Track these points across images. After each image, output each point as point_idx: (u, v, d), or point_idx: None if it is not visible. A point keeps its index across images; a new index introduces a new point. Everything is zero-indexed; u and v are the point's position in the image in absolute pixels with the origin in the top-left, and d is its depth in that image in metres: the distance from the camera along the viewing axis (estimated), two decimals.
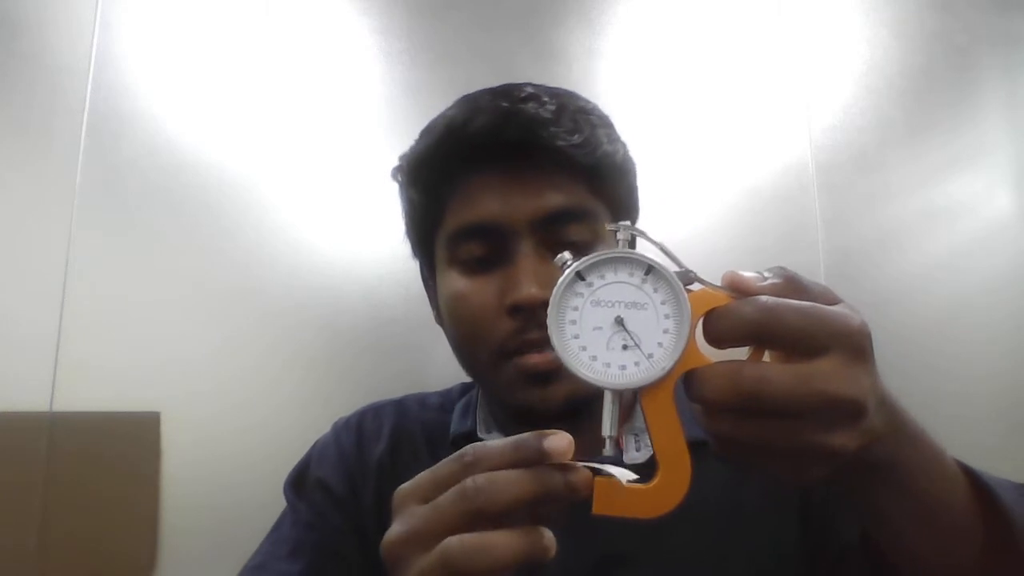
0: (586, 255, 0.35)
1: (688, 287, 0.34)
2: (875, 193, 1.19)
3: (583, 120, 0.60)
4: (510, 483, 0.33)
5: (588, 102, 0.64)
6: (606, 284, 0.35)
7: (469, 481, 0.34)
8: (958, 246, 1.18)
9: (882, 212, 1.18)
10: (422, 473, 0.37)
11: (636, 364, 0.34)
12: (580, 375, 0.34)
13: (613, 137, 0.64)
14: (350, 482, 0.68)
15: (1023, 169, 1.22)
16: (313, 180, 1.10)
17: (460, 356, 0.64)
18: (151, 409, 1.01)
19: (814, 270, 1.15)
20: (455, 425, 0.68)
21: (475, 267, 0.60)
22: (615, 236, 0.36)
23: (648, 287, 0.34)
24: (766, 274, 0.35)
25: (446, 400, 0.74)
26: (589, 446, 0.61)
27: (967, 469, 0.42)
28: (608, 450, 0.35)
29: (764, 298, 0.33)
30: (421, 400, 0.75)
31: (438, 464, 0.36)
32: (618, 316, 0.34)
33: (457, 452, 0.36)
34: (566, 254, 0.36)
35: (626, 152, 0.65)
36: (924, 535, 0.40)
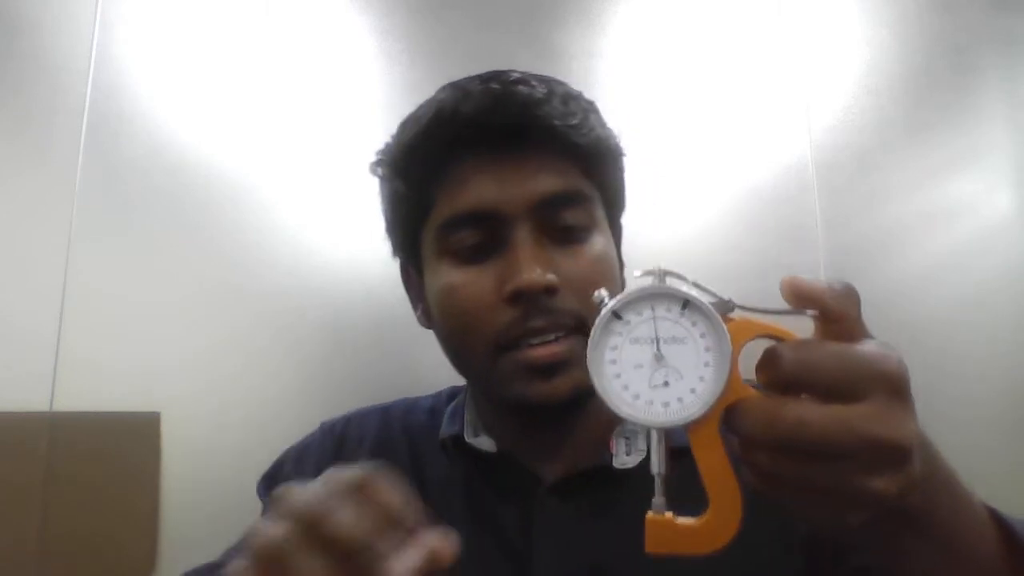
0: (619, 293, 0.34)
1: (729, 315, 0.34)
2: (875, 193, 1.19)
3: (574, 103, 0.59)
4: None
5: (574, 89, 0.62)
6: (643, 320, 0.34)
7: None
8: (958, 246, 1.18)
9: (882, 212, 1.18)
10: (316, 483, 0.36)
11: (679, 400, 0.33)
12: (623, 415, 0.33)
13: (603, 123, 0.62)
14: None
15: (1023, 169, 1.22)
16: (313, 180, 1.10)
17: (453, 353, 0.62)
18: (151, 409, 1.01)
19: (814, 270, 1.15)
20: (444, 427, 0.66)
21: (468, 256, 0.57)
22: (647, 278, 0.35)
23: (686, 320, 0.34)
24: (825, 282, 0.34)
25: (437, 403, 0.72)
26: (585, 444, 0.61)
27: (992, 512, 0.41)
28: (657, 493, 0.34)
29: (801, 345, 0.33)
30: (410, 406, 0.73)
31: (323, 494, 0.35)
32: (657, 352, 0.33)
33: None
34: (603, 291, 0.35)
35: (617, 139, 0.63)
36: None
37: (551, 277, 0.54)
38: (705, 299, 0.33)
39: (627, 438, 0.61)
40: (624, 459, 0.60)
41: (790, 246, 1.15)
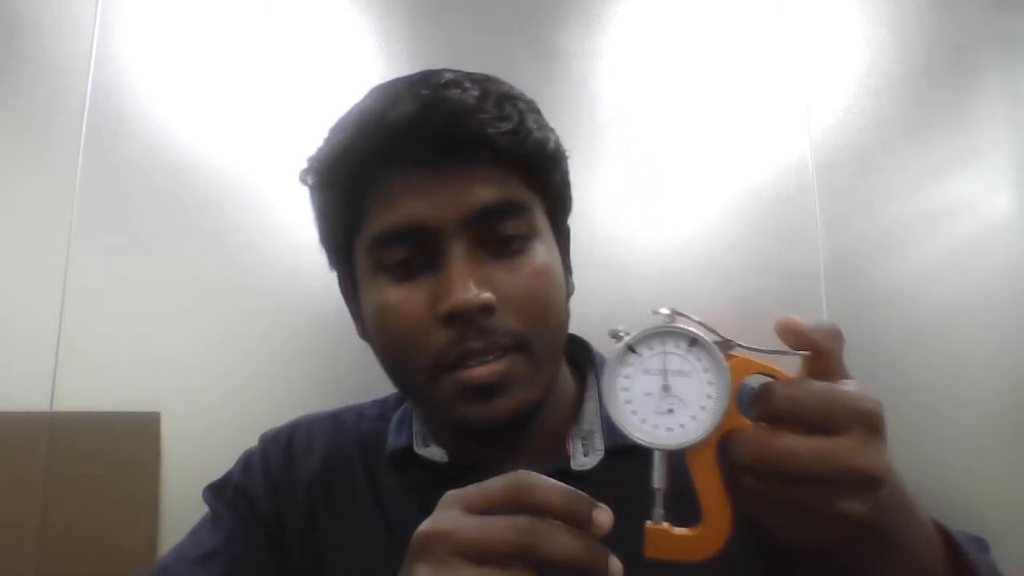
0: (637, 330, 0.38)
1: (730, 352, 0.38)
2: (875, 193, 1.19)
3: (510, 106, 0.55)
4: (566, 543, 0.35)
5: (513, 87, 0.58)
6: (655, 354, 0.38)
7: (526, 520, 0.35)
8: (958, 246, 1.18)
9: (882, 212, 1.18)
10: (472, 485, 0.38)
11: (682, 426, 0.37)
12: (632, 436, 0.38)
13: (543, 124, 0.58)
14: (274, 499, 0.64)
15: (1023, 169, 1.22)
16: None
17: (391, 373, 0.59)
18: (151, 409, 1.01)
19: (814, 270, 1.15)
20: (391, 439, 0.64)
21: (402, 273, 0.55)
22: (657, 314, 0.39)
23: (692, 357, 0.38)
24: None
25: (385, 409, 0.69)
26: (540, 449, 0.59)
27: (938, 526, 0.44)
28: (657, 505, 0.38)
29: (792, 383, 0.37)
30: (359, 412, 0.70)
31: (490, 481, 0.38)
32: (665, 384, 0.38)
33: (513, 475, 0.37)
34: (620, 326, 0.39)
35: (557, 140, 0.60)
36: None
37: (487, 296, 0.51)
38: (710, 339, 0.38)
39: (583, 439, 0.59)
40: (582, 460, 0.58)
41: (790, 246, 1.15)
